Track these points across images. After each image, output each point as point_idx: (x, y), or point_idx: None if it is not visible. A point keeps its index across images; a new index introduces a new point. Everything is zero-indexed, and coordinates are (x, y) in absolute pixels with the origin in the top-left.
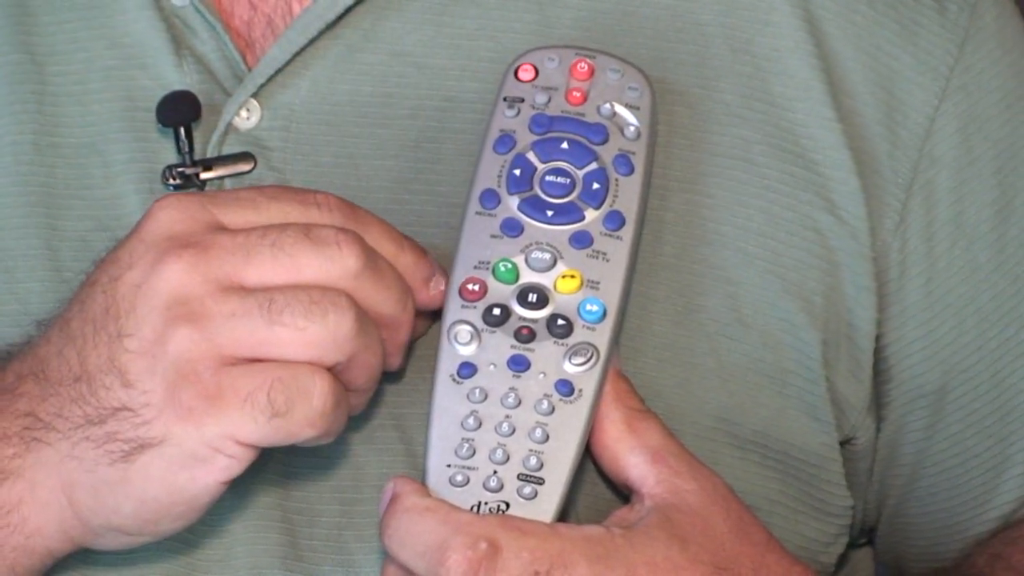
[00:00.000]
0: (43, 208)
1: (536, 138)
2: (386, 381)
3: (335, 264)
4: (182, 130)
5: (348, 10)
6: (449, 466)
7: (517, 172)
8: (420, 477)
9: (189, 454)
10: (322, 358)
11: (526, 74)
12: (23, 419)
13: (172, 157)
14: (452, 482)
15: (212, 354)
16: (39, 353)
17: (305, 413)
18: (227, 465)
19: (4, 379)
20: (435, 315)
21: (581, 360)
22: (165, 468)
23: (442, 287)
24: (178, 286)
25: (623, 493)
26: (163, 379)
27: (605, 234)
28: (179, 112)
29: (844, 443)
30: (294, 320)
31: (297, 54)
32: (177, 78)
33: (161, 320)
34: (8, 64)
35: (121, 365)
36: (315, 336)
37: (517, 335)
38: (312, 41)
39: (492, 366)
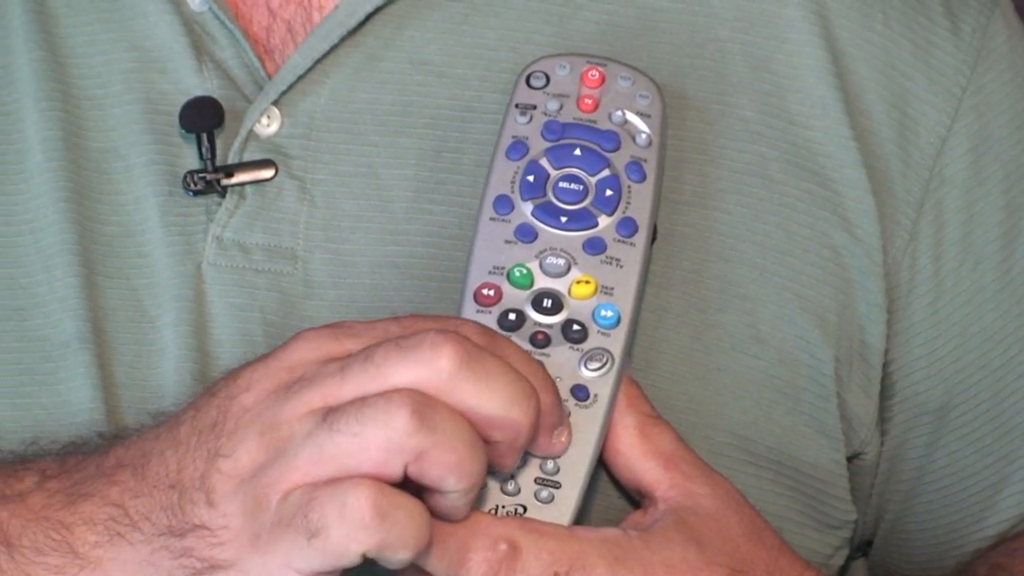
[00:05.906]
0: (76, 205)
1: (549, 145)
2: None
3: (423, 367)
4: (205, 136)
5: (369, 18)
6: None
7: (531, 178)
8: None
9: None
10: (386, 460)
11: (537, 81)
12: (111, 508)
13: (192, 162)
14: None
15: (284, 479)
16: (144, 447)
17: (342, 528)
18: None
19: (105, 461)
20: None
21: (596, 365)
22: None
23: (563, 439)
24: (276, 413)
25: (634, 500)
26: (242, 504)
27: (619, 240)
28: (202, 118)
29: (852, 458)
30: (348, 426)
31: (318, 61)
32: (197, 83)
33: (255, 447)
34: (34, 61)
35: (211, 484)
36: (371, 438)
37: (532, 340)
38: (333, 48)
39: None
